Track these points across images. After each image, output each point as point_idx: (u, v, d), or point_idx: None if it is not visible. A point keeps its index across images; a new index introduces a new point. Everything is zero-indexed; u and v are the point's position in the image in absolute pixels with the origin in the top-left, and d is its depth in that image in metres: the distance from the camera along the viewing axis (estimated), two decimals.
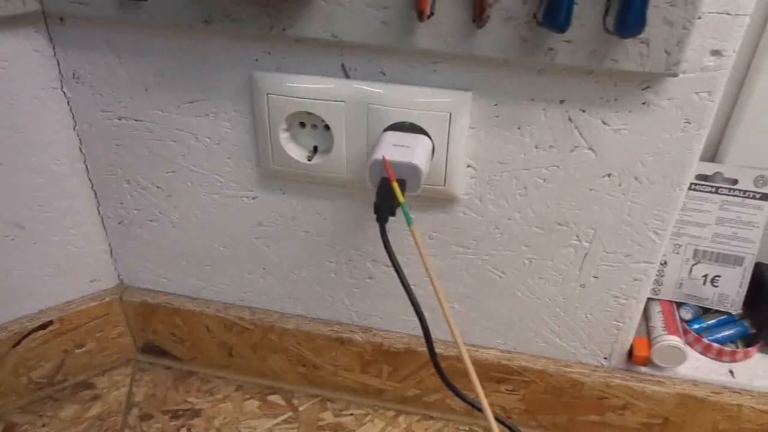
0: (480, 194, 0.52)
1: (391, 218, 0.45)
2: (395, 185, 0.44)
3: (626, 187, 0.49)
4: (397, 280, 0.46)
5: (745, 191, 0.57)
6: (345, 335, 0.63)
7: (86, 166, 0.60)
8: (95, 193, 0.62)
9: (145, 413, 0.66)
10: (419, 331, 0.49)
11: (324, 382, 0.67)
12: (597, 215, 0.51)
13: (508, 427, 0.61)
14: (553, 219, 0.52)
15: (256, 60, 0.50)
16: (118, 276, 0.68)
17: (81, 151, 0.59)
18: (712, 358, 0.59)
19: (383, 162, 0.45)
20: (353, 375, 0.66)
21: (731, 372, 0.58)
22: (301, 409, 0.67)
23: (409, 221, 0.45)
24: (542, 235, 0.53)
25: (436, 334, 0.60)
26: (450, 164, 0.50)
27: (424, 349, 0.57)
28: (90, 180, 0.61)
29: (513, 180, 0.51)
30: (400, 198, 0.44)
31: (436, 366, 0.50)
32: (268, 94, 0.50)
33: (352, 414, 0.66)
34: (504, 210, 0.53)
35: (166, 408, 0.67)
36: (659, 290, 0.61)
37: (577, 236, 0.52)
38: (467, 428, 0.65)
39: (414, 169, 0.45)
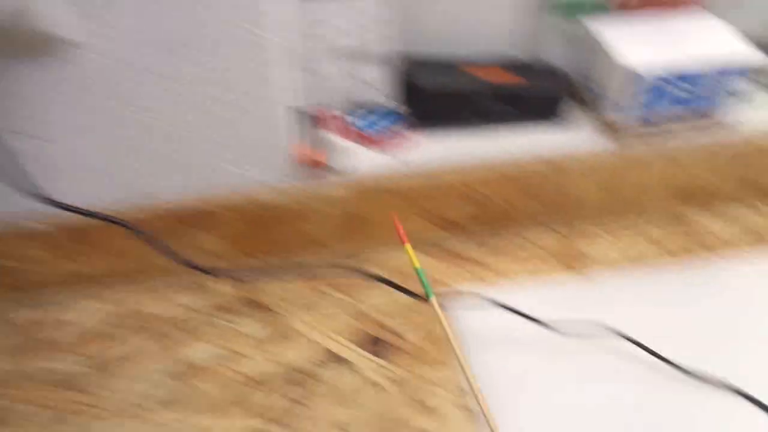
0: (85, 29, 0.49)
1: None
2: None
3: None
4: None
5: None
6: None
7: None
8: None
9: None
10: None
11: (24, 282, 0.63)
12: (211, 28, 0.50)
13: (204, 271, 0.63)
14: (174, 39, 0.50)
15: None
16: None
17: None
18: (380, 151, 0.64)
19: None
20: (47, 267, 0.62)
21: (397, 157, 0.64)
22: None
23: (428, 292, 0.50)
24: (169, 61, 0.51)
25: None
26: None
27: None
28: None
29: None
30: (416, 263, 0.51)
31: None
32: None
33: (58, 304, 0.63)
34: (117, 42, 0.50)
35: None
36: (321, 99, 0.64)
37: (207, 55, 0.52)
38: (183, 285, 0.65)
39: None
